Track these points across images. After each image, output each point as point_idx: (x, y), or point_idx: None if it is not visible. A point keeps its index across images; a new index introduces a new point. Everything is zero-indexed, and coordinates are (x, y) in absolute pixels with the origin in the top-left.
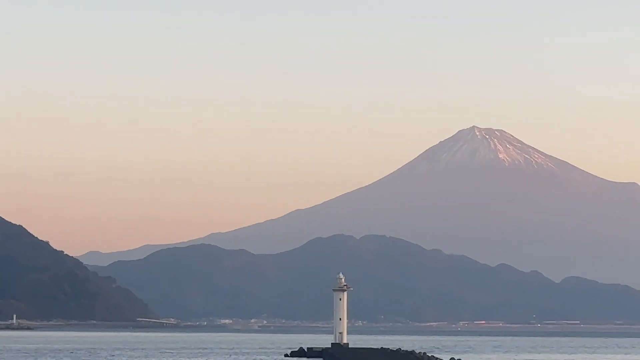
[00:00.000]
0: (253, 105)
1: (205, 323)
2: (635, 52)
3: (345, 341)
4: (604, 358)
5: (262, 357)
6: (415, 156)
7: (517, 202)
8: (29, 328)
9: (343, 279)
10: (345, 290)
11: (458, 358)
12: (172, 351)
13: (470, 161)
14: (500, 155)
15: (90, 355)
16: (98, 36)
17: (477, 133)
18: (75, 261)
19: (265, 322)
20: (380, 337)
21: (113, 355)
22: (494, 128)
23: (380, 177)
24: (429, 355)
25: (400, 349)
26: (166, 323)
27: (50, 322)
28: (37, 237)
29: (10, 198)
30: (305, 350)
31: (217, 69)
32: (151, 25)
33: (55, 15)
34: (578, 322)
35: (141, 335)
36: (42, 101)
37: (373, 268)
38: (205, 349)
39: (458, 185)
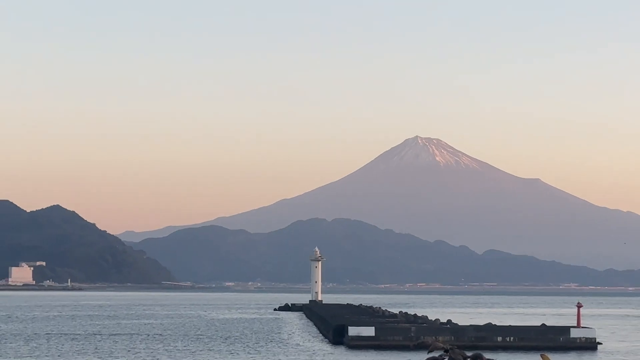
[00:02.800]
0: (250, 117)
1: (214, 285)
2: (534, 73)
3: (320, 299)
4: (514, 310)
5: (258, 310)
6: (373, 158)
7: (450, 194)
8: (80, 289)
9: (318, 252)
10: (319, 260)
11: (405, 311)
12: (188, 306)
13: (414, 162)
14: (437, 158)
15: (127, 309)
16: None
17: (420, 141)
18: (115, 238)
19: (259, 284)
20: (346, 296)
21: (145, 309)
22: (432, 137)
23: (346, 175)
24: (383, 309)
25: (361, 304)
26: (184, 285)
27: (96, 285)
28: (86, 220)
29: (66, 190)
30: (290, 305)
31: (222, 83)
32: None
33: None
34: (495, 284)
35: (165, 294)
36: (92, 113)
37: (341, 243)
38: (214, 304)
39: (405, 180)
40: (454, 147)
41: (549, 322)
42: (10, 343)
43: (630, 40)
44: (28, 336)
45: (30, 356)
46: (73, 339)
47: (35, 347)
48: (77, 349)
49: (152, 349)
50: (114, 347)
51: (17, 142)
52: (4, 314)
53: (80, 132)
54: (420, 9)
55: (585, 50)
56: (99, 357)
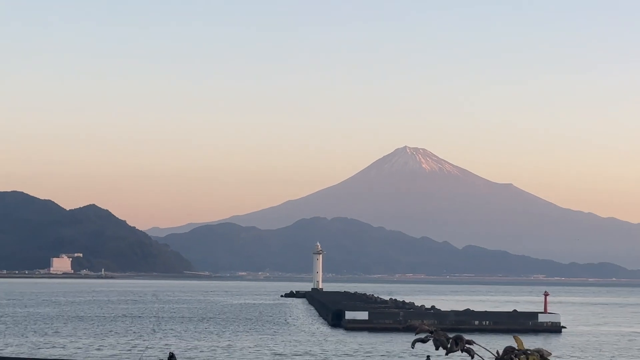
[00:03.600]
0: (262, 129)
1: (229, 274)
2: (509, 91)
3: (320, 287)
4: (490, 298)
5: (267, 296)
6: (367, 165)
7: (434, 196)
8: (112, 277)
9: (319, 246)
10: (320, 253)
11: (394, 298)
12: (206, 292)
13: (403, 169)
14: (423, 165)
15: (153, 296)
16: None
17: (408, 150)
18: (143, 233)
19: (268, 274)
20: (343, 285)
21: (169, 295)
22: (419, 147)
23: (344, 179)
24: (376, 296)
25: (356, 292)
26: (202, 274)
27: (126, 274)
28: (118, 217)
29: (101, 191)
30: (294, 292)
31: (238, 99)
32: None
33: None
34: (473, 275)
35: (186, 282)
36: (125, 123)
37: (339, 239)
38: (229, 291)
39: (395, 185)
40: (438, 155)
41: (520, 308)
42: (54, 323)
43: (595, 60)
44: (68, 318)
45: (72, 335)
46: (107, 320)
47: (75, 327)
48: (110, 330)
49: (176, 329)
50: (142, 328)
51: (59, 148)
52: (46, 297)
53: (114, 140)
54: (410, 30)
55: (554, 71)
56: (129, 338)
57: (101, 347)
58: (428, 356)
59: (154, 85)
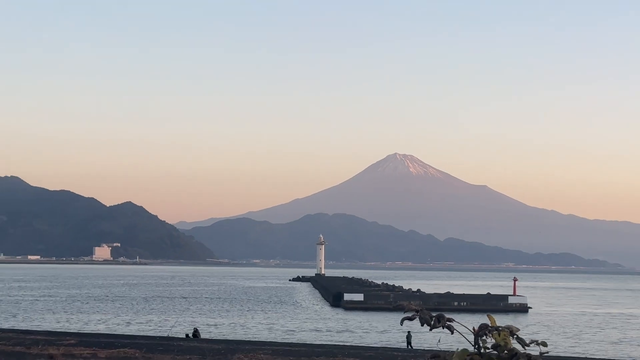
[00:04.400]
0: (276, 137)
1: (244, 262)
2: (483, 103)
3: (323, 272)
4: (467, 283)
5: (277, 281)
6: (363, 169)
7: (420, 196)
8: (145, 264)
9: (322, 238)
10: (323, 244)
11: (386, 282)
12: (225, 277)
13: (393, 173)
14: (411, 170)
15: (182, 280)
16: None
17: (398, 156)
18: (171, 226)
19: (278, 262)
20: (342, 271)
21: (193, 278)
22: (407, 154)
23: (343, 181)
24: (370, 281)
25: (353, 277)
26: (222, 261)
27: (157, 261)
28: (150, 212)
29: (136, 190)
30: (301, 277)
31: (256, 111)
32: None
33: None
34: (453, 263)
35: (208, 268)
36: (157, 130)
37: (339, 232)
38: (245, 276)
39: (387, 186)
40: (423, 161)
41: (492, 292)
42: (99, 303)
43: (560, 77)
44: (113, 297)
45: (115, 313)
46: (141, 300)
47: (118, 306)
48: (144, 308)
49: (200, 308)
50: (171, 307)
51: (100, 153)
52: (90, 280)
53: (147, 146)
54: (400, 51)
55: (523, 87)
56: (160, 315)
57: (138, 323)
58: (409, 332)
59: (183, 101)
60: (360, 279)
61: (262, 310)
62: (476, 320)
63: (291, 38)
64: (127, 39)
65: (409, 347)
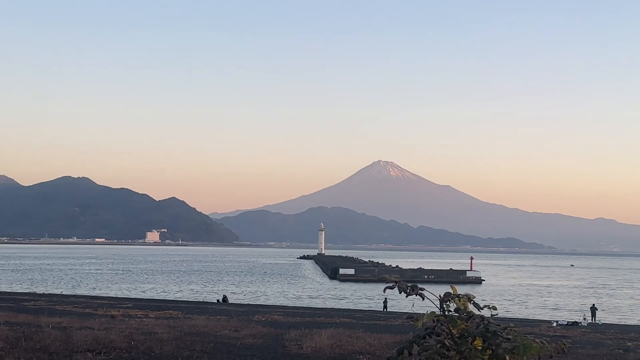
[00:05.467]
0: (288, 144)
1: (262, 244)
2: (447, 115)
3: (323, 252)
4: (434, 261)
5: (288, 258)
6: (355, 172)
7: (398, 194)
8: (186, 245)
9: (322, 226)
10: (323, 230)
11: (372, 260)
12: (248, 255)
13: (378, 175)
14: (391, 173)
15: (214, 256)
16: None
17: (381, 163)
18: (206, 216)
19: (289, 244)
20: (338, 251)
21: (225, 257)
22: (389, 160)
23: (339, 182)
24: (359, 259)
25: (347, 256)
26: (245, 243)
27: (195, 243)
28: (190, 205)
29: (180, 187)
30: (306, 256)
31: (276, 122)
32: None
33: None
34: (424, 245)
35: (235, 249)
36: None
37: (336, 221)
38: (262, 255)
39: (373, 185)
40: (401, 166)
41: (454, 267)
42: (151, 276)
43: (504, 91)
44: (161, 271)
45: (162, 283)
46: (183, 273)
47: (165, 277)
48: (185, 279)
49: (228, 279)
50: (206, 279)
51: (151, 157)
52: (143, 258)
53: (187, 152)
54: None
55: (481, 99)
56: (196, 285)
57: (180, 291)
58: (385, 298)
59: (216, 117)
60: (352, 258)
61: (275, 281)
62: (442, 290)
63: (305, 63)
64: (170, 60)
65: (385, 310)
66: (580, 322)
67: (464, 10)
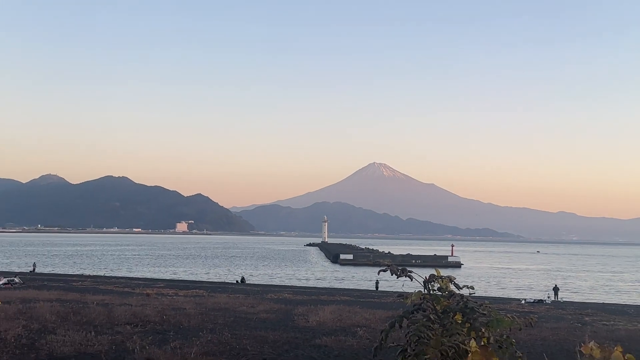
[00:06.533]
0: (297, 150)
1: (275, 233)
2: (434, 124)
3: (326, 240)
4: (421, 247)
5: (296, 245)
6: (353, 172)
7: (390, 192)
8: (210, 234)
9: (325, 218)
10: (326, 222)
11: (368, 247)
12: (262, 242)
13: (372, 175)
14: (384, 173)
15: (234, 245)
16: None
17: (375, 164)
18: (227, 210)
19: (297, 233)
20: (339, 239)
21: (244, 245)
22: (382, 162)
23: (339, 180)
24: (357, 246)
25: (346, 244)
26: (260, 233)
27: (218, 232)
28: (213, 200)
29: (205, 184)
30: (312, 244)
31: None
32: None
33: None
34: (411, 234)
35: (251, 237)
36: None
37: (337, 214)
38: (275, 242)
39: (368, 184)
40: (393, 167)
41: (438, 253)
42: (179, 259)
43: (484, 100)
44: (188, 256)
45: (190, 266)
46: (207, 257)
47: (189, 261)
48: (209, 263)
49: (246, 263)
50: (226, 262)
51: (179, 159)
52: (173, 245)
53: (210, 153)
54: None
55: (462, 109)
56: (219, 268)
57: (205, 273)
58: (377, 280)
59: (232, 124)
60: (351, 245)
61: (286, 265)
62: (427, 272)
63: (315, 75)
64: (188, 74)
65: (377, 289)
66: (545, 300)
67: (444, 29)
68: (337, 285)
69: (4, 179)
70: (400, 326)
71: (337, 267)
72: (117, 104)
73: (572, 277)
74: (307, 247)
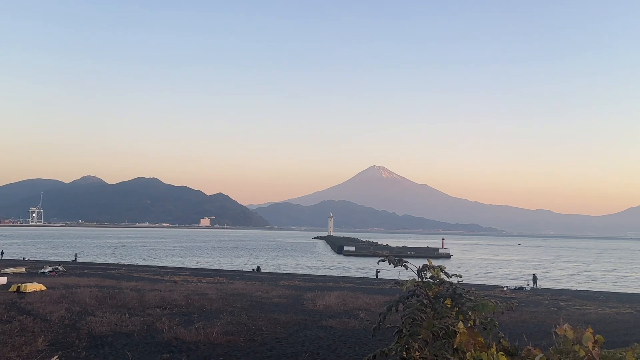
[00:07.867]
0: (305, 154)
1: (286, 228)
2: (426, 134)
3: (332, 234)
4: (415, 241)
5: (305, 238)
6: (356, 174)
7: (388, 192)
8: (229, 229)
9: (331, 214)
10: (331, 217)
11: (368, 240)
12: (275, 236)
13: (372, 177)
14: (383, 175)
15: (251, 238)
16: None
17: (375, 167)
18: (245, 207)
19: (306, 228)
20: (343, 233)
21: (259, 238)
22: (381, 165)
23: (344, 181)
24: (359, 239)
25: (349, 237)
26: (274, 227)
27: (236, 227)
28: (232, 198)
29: (225, 184)
30: (319, 237)
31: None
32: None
33: None
34: (407, 229)
35: (266, 231)
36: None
37: (341, 211)
38: (286, 235)
39: (369, 184)
40: (391, 170)
41: (430, 246)
42: (202, 250)
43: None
44: (210, 247)
45: (213, 256)
46: (227, 249)
47: (211, 252)
48: (229, 253)
49: (260, 254)
50: (244, 253)
51: (203, 163)
52: (197, 238)
53: (230, 156)
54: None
55: (450, 119)
56: (237, 258)
57: (226, 262)
58: (377, 270)
59: (249, 131)
60: (353, 238)
61: (296, 255)
62: (420, 262)
63: (318, 82)
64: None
65: (377, 277)
66: (525, 287)
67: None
68: (341, 273)
69: (49, 179)
70: (397, 310)
71: (341, 257)
72: (149, 113)
73: (548, 267)
74: (315, 240)
